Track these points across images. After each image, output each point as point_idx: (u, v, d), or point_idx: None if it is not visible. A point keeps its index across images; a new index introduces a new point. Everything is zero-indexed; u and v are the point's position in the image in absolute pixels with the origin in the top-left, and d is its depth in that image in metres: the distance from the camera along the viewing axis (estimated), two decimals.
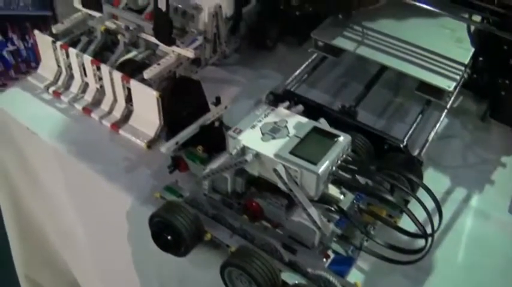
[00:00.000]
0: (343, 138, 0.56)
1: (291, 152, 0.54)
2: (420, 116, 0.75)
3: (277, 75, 0.87)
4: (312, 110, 0.69)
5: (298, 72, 0.81)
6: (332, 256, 0.57)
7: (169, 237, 0.58)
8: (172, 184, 0.65)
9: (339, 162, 0.55)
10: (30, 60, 1.48)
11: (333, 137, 0.56)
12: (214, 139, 0.66)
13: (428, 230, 0.52)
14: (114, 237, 0.74)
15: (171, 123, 0.68)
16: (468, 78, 0.82)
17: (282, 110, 0.61)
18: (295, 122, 0.58)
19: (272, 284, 0.53)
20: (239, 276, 0.55)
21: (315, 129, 0.57)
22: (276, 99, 0.75)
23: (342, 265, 0.58)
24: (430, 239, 0.52)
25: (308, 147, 0.55)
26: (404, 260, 0.53)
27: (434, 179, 0.73)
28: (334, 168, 0.54)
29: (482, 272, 0.62)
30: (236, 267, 0.54)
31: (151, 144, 0.73)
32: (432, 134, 0.74)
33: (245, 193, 0.61)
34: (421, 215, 0.52)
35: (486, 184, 0.74)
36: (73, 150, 0.74)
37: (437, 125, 0.76)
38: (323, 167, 0.52)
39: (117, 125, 0.76)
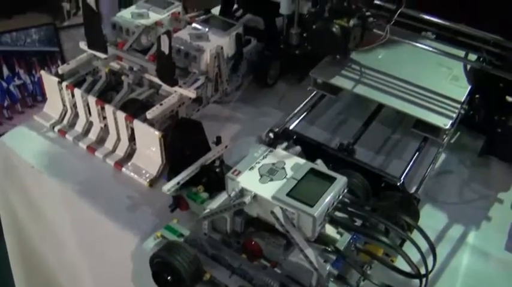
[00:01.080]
0: (339, 180, 0.57)
1: (288, 194, 0.55)
2: (417, 153, 0.77)
3: (278, 112, 0.90)
4: (310, 148, 0.71)
5: (297, 110, 0.83)
6: None
7: (169, 277, 0.59)
8: (173, 224, 0.66)
9: (335, 203, 0.56)
10: (37, 94, 1.52)
11: (330, 178, 0.58)
12: (214, 179, 0.68)
13: (424, 270, 0.53)
14: (117, 274, 0.75)
15: (173, 163, 0.70)
16: (465, 115, 0.83)
17: (280, 151, 0.62)
18: (292, 163, 0.60)
19: None
20: None
21: (312, 171, 0.59)
22: (275, 137, 0.77)
23: None
24: (424, 279, 0.53)
25: (305, 189, 0.56)
26: None
27: (431, 215, 0.74)
28: (330, 209, 0.55)
29: None
30: None
31: (153, 182, 0.75)
32: (429, 170, 0.75)
33: (244, 233, 0.62)
34: (418, 254, 0.53)
35: (483, 221, 0.74)
36: (77, 188, 0.76)
37: (435, 162, 0.77)
38: (319, 209, 0.53)
39: (120, 164, 0.78)
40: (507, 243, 0.71)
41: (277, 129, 0.78)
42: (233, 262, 0.61)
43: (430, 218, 0.73)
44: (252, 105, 0.92)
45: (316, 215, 0.53)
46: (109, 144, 0.80)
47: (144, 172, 0.76)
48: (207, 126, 0.72)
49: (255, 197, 0.56)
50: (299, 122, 0.82)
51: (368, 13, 0.80)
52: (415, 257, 0.53)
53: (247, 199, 0.56)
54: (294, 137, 0.76)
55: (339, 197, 0.57)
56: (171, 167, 0.70)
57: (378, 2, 0.82)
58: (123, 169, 0.77)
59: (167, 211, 0.68)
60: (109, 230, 0.72)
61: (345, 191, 0.58)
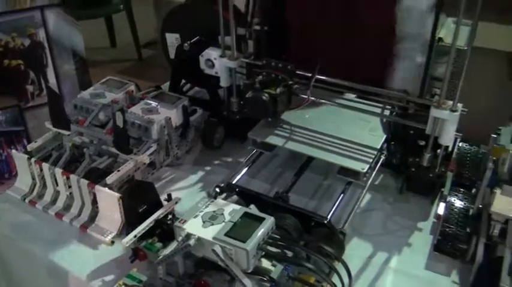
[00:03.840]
0: (267, 220, 0.69)
1: (226, 234, 0.67)
2: (342, 195, 0.90)
3: (224, 170, 1.02)
4: (251, 198, 0.83)
5: (240, 167, 0.96)
6: None
7: None
8: (133, 272, 0.76)
9: (265, 239, 0.68)
10: (4, 172, 1.58)
11: (260, 219, 0.70)
12: (167, 230, 0.78)
13: None
14: None
15: (129, 219, 0.81)
16: (386, 160, 0.98)
17: (219, 201, 0.75)
18: (230, 209, 0.72)
19: None
20: None
21: (246, 214, 0.71)
22: (221, 191, 0.89)
23: None
24: None
25: (239, 229, 0.68)
26: None
27: (358, 246, 0.86)
28: (261, 244, 0.67)
29: None
30: None
31: (114, 239, 0.85)
32: (355, 208, 0.88)
33: (195, 274, 0.73)
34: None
35: (404, 247, 0.87)
36: (47, 249, 0.85)
37: (359, 201, 0.90)
38: (251, 244, 0.65)
39: (85, 226, 0.88)
40: (427, 263, 0.84)
41: (222, 184, 0.90)
42: None
43: (357, 248, 0.85)
44: (201, 166, 1.04)
45: (248, 249, 0.64)
46: (75, 209, 0.90)
47: (106, 230, 0.86)
48: (161, 187, 0.83)
49: (198, 239, 0.67)
50: (241, 177, 0.94)
51: (291, 82, 0.95)
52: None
53: (192, 242, 0.67)
54: (237, 189, 0.88)
55: (268, 233, 0.68)
56: (128, 224, 0.81)
57: (299, 73, 0.97)
58: (88, 230, 0.87)
59: (128, 262, 0.78)
60: (79, 284, 0.81)
61: (273, 228, 0.70)
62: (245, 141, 1.04)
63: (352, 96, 1.03)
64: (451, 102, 0.83)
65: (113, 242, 0.85)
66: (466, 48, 0.80)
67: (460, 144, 1.06)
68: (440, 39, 0.89)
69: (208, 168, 1.04)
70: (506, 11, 1.27)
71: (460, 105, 0.84)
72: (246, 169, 0.96)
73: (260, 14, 1.00)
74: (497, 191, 0.78)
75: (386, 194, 0.99)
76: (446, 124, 0.84)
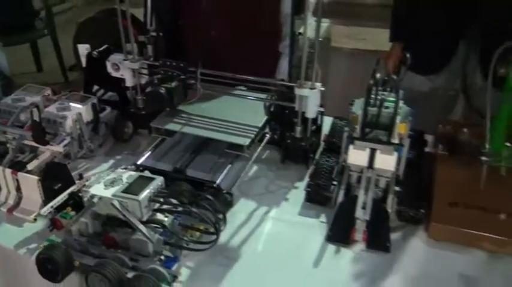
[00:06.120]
0: (157, 179, 0.87)
1: (122, 191, 0.84)
2: (230, 165, 1.08)
3: (134, 159, 1.18)
4: (156, 173, 1.00)
5: (147, 151, 1.13)
6: (163, 258, 0.86)
7: (49, 266, 0.83)
8: (51, 237, 0.91)
9: (155, 193, 0.85)
10: None
11: (151, 179, 0.87)
12: (79, 201, 0.94)
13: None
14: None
15: (48, 197, 0.96)
16: (271, 138, 1.18)
17: (119, 170, 0.91)
18: (127, 175, 0.89)
19: (120, 283, 0.80)
20: (99, 281, 0.81)
21: (140, 177, 0.88)
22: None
23: (170, 262, 0.85)
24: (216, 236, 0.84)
25: (134, 187, 0.85)
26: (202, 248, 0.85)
27: (244, 204, 1.05)
28: (152, 197, 0.84)
29: (276, 257, 0.92)
30: (95, 272, 0.80)
31: (37, 217, 1.00)
32: (242, 175, 1.07)
33: (102, 232, 0.89)
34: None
35: (282, 201, 1.06)
36: None
37: (246, 170, 1.09)
38: (142, 196, 0.82)
39: (11, 210, 1.02)
40: (300, 211, 1.03)
41: (129, 166, 1.07)
42: (95, 251, 0.87)
43: (244, 205, 1.04)
44: (112, 157, 1.20)
45: (140, 200, 0.82)
46: (2, 197, 1.04)
47: (29, 211, 1.00)
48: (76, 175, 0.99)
49: (100, 198, 0.84)
50: (147, 159, 1.11)
51: (183, 76, 1.13)
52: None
53: (95, 200, 0.83)
54: (141, 169, 1.05)
55: (158, 189, 0.86)
56: (47, 201, 0.96)
57: (191, 69, 1.15)
58: (14, 213, 1.01)
59: (48, 232, 0.92)
60: (8, 253, 0.95)
61: (163, 186, 0.87)
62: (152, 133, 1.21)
63: (242, 88, 1.24)
64: (310, 83, 1.04)
65: (35, 220, 0.99)
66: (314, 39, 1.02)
67: (333, 120, 1.28)
68: (300, 33, 1.11)
69: (119, 157, 1.20)
70: None
71: (318, 84, 1.05)
72: (150, 152, 1.13)
73: (156, 23, 1.19)
74: (351, 146, 0.98)
75: (270, 165, 1.18)
76: (308, 100, 1.05)
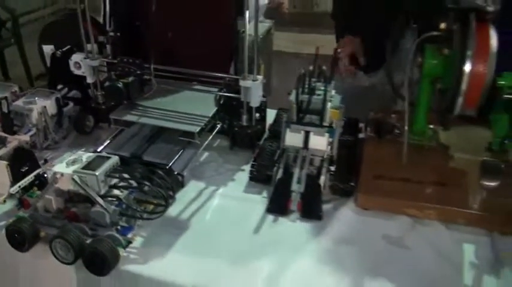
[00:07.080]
0: (113, 158, 0.98)
1: (82, 168, 0.95)
2: (182, 150, 1.21)
3: (95, 148, 1.29)
4: None
5: (107, 140, 1.25)
6: (119, 227, 0.97)
7: (16, 235, 0.94)
8: (20, 213, 1.02)
9: (111, 169, 0.97)
10: None
11: (107, 158, 0.98)
12: (44, 182, 1.05)
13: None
14: None
15: (16, 179, 1.06)
16: (222, 127, 1.30)
17: (80, 152, 1.03)
18: (87, 155, 1.00)
19: (80, 246, 0.91)
20: (61, 246, 0.92)
21: (98, 157, 0.99)
22: None
23: (125, 230, 0.97)
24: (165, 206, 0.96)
25: (92, 165, 0.96)
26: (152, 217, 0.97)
27: (195, 185, 1.17)
28: (108, 173, 0.96)
29: (222, 226, 1.05)
30: (58, 238, 0.91)
31: (6, 199, 1.10)
32: (193, 160, 1.20)
33: (65, 208, 1.00)
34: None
35: (229, 181, 1.19)
36: None
37: (197, 154, 1.22)
38: (99, 171, 0.94)
39: None
40: (245, 189, 1.16)
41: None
42: (58, 224, 0.98)
43: (195, 186, 1.17)
44: (76, 147, 1.29)
45: (97, 174, 0.93)
46: None
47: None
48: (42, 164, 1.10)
49: (62, 174, 0.95)
50: (107, 147, 1.23)
51: (139, 72, 1.26)
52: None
53: (58, 175, 0.95)
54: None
55: (113, 166, 0.97)
56: (14, 182, 1.06)
57: (146, 65, 1.28)
58: None
59: (17, 211, 1.03)
60: None
61: (118, 164, 0.99)
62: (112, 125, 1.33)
63: (196, 83, 1.37)
64: (252, 75, 1.17)
65: (5, 201, 1.09)
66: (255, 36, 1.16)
67: (278, 111, 1.42)
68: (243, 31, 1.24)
69: (82, 148, 1.30)
70: None
71: (260, 76, 1.19)
72: (109, 141, 1.24)
73: (114, 24, 1.32)
74: (288, 130, 1.11)
75: (221, 151, 1.31)
76: (251, 91, 1.18)
